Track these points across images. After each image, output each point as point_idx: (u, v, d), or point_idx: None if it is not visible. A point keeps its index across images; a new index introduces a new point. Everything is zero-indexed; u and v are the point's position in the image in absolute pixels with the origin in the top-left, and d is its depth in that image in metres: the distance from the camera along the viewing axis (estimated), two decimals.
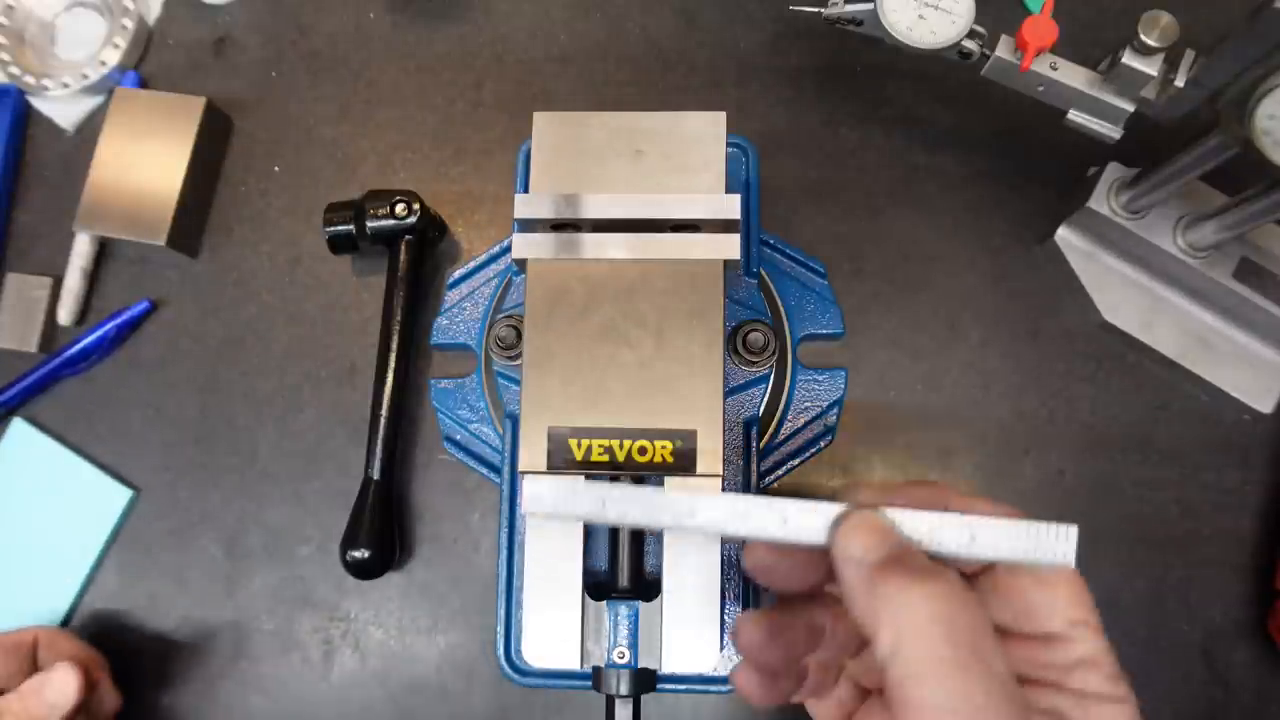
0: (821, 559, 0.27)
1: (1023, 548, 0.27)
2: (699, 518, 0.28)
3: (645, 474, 0.38)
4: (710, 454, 0.37)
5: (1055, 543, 0.26)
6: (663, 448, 0.37)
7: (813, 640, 0.30)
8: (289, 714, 0.52)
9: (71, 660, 0.45)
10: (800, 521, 0.27)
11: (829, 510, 0.27)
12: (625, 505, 0.28)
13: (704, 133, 0.40)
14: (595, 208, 0.38)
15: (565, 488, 0.28)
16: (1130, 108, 0.45)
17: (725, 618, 0.42)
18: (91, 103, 0.59)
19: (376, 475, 0.51)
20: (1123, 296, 0.54)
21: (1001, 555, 0.27)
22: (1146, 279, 0.54)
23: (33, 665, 0.46)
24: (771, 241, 0.52)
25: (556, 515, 0.28)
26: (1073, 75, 0.46)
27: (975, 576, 0.28)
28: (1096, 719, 0.25)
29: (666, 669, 0.39)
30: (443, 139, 0.58)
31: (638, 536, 0.42)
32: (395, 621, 0.53)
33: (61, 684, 0.45)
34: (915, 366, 0.54)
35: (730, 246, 0.38)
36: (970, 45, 0.45)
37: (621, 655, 0.40)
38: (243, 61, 0.60)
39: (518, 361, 0.46)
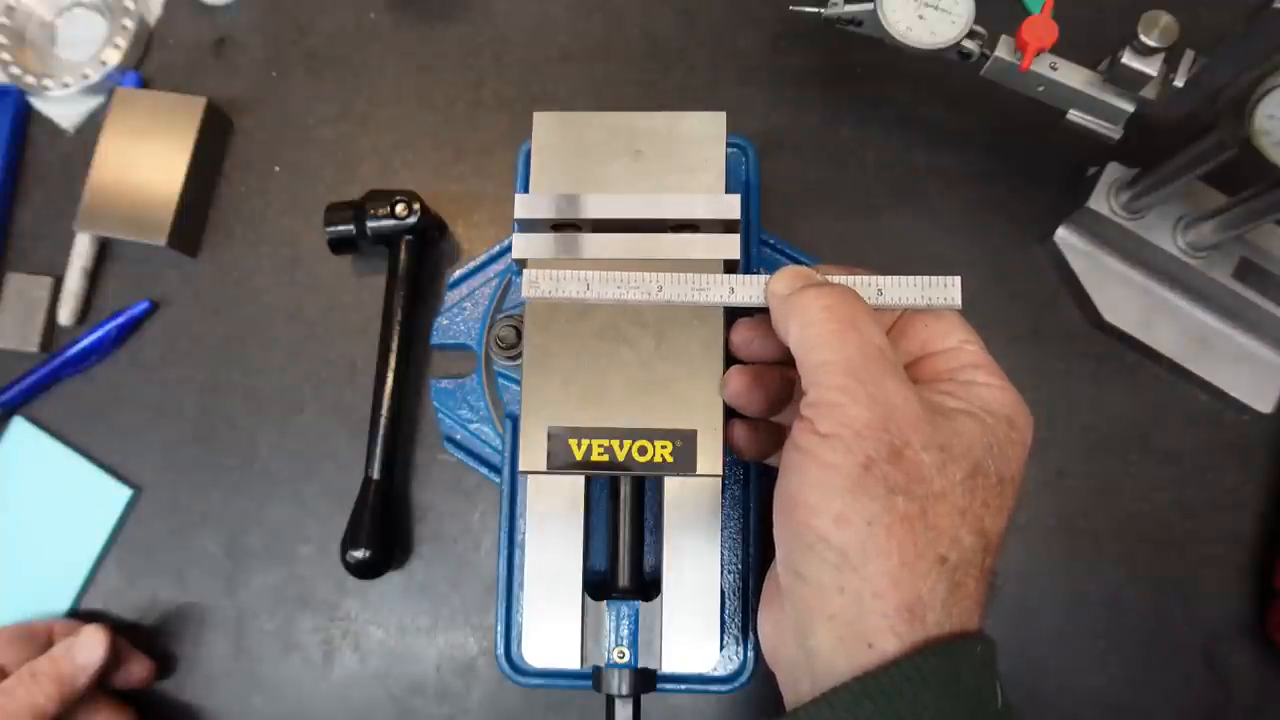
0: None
1: (921, 295, 0.34)
2: (666, 292, 0.36)
3: (645, 474, 0.38)
4: (710, 454, 0.37)
5: (945, 290, 0.33)
6: (663, 448, 0.37)
7: (786, 390, 0.36)
8: (289, 714, 0.52)
9: None
10: (744, 290, 0.35)
11: (764, 277, 0.35)
12: (605, 286, 0.36)
13: (704, 133, 0.40)
14: (595, 208, 0.38)
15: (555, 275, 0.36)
16: (1130, 108, 0.45)
17: (725, 617, 0.42)
18: (92, 103, 0.59)
19: (376, 475, 0.51)
20: (1123, 296, 0.54)
21: (905, 303, 0.34)
22: (1146, 279, 0.54)
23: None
24: (772, 241, 0.52)
25: (549, 299, 0.36)
26: (1072, 75, 0.46)
27: (889, 331, 0.35)
28: (975, 391, 0.32)
29: (666, 669, 0.39)
30: (443, 139, 0.58)
31: (638, 535, 0.41)
32: (395, 621, 0.53)
33: (89, 644, 0.46)
34: None
35: (730, 246, 0.38)
36: (970, 45, 0.45)
37: (621, 655, 0.40)
38: (243, 61, 0.60)
39: (518, 361, 0.46)
